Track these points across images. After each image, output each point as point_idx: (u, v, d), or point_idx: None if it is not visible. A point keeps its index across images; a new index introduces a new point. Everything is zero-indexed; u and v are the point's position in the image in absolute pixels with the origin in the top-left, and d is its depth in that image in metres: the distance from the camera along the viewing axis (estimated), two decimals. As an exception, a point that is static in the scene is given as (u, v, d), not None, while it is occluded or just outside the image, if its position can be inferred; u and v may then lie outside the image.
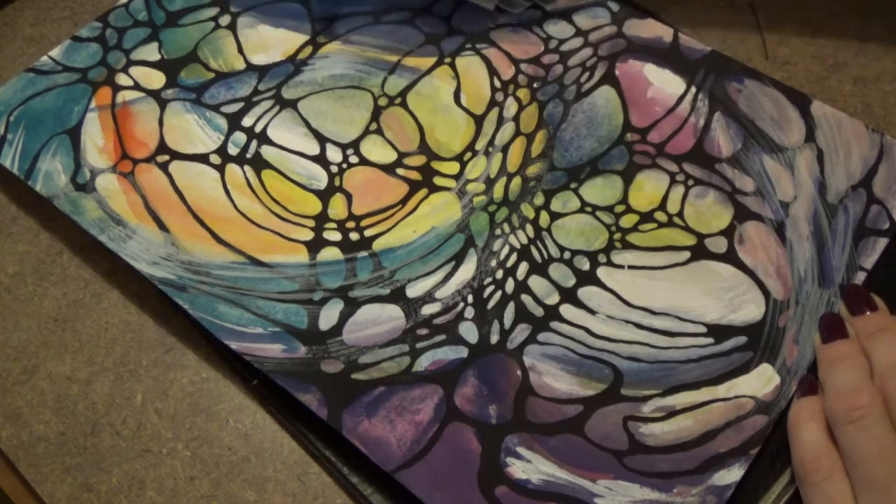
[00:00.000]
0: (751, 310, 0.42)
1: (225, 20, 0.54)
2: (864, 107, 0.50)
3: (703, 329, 0.42)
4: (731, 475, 0.37)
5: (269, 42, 0.53)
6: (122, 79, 0.51)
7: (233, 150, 0.48)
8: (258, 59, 0.52)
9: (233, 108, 0.50)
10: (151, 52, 0.52)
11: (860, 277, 0.43)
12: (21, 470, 0.42)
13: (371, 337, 0.42)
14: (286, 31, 0.53)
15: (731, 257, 0.44)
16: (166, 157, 0.48)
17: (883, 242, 0.44)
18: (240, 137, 0.49)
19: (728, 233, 0.44)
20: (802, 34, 0.53)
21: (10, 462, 0.42)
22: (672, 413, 0.39)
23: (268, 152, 0.48)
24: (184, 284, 0.43)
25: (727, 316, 0.42)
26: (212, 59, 0.52)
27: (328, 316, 0.42)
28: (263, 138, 0.48)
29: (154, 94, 0.50)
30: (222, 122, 0.49)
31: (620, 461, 0.38)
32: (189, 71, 0.51)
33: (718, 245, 0.44)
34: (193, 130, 0.49)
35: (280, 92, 0.50)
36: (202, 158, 0.48)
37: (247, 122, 0.49)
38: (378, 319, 0.42)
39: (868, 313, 0.40)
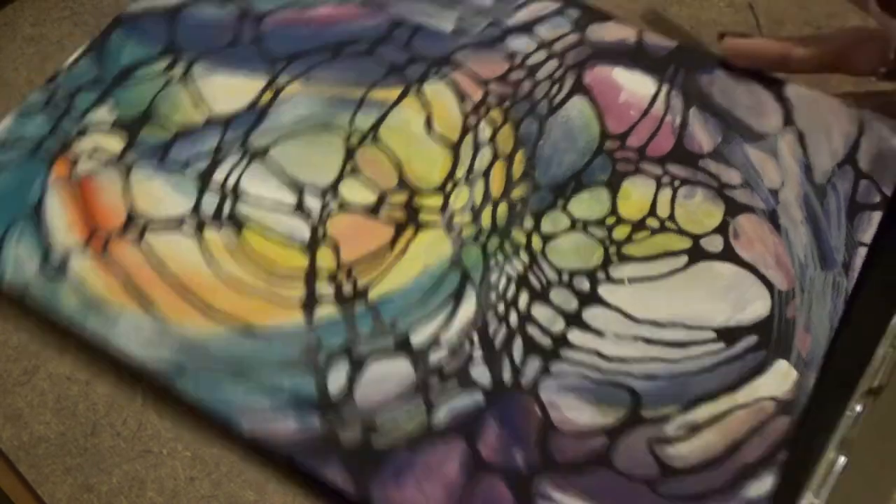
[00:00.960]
0: (757, 306, 0.42)
1: (178, 71, 0.51)
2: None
3: (713, 335, 0.41)
4: (762, 485, 0.37)
5: (228, 90, 0.50)
6: (78, 146, 0.49)
7: (207, 211, 0.46)
8: (219, 110, 0.50)
9: (200, 165, 0.48)
10: (106, 113, 0.50)
11: (861, 253, 0.43)
12: (21, 470, 0.42)
13: (383, 395, 0.40)
14: (244, 77, 0.51)
15: (728, 254, 0.43)
16: (139, 228, 0.46)
17: (877, 215, 0.44)
18: (212, 197, 0.46)
19: (722, 229, 0.44)
20: (802, 34, 0.53)
21: (10, 462, 0.42)
22: (695, 429, 0.39)
23: (244, 210, 0.46)
24: (181, 366, 0.42)
25: (735, 316, 0.42)
26: (170, 116, 0.50)
27: (336, 379, 0.41)
28: (237, 194, 0.47)
29: (115, 160, 0.48)
30: (192, 182, 0.47)
31: (654, 490, 0.38)
32: (148, 130, 0.49)
33: (714, 243, 0.44)
34: (162, 195, 0.47)
35: (247, 142, 0.48)
36: (176, 225, 0.46)
37: (218, 177, 0.47)
38: (387, 376, 0.41)
39: None
